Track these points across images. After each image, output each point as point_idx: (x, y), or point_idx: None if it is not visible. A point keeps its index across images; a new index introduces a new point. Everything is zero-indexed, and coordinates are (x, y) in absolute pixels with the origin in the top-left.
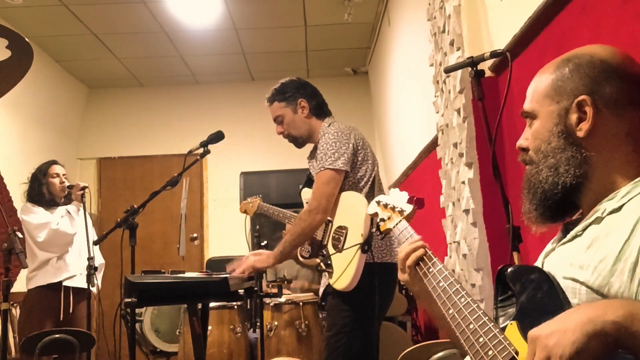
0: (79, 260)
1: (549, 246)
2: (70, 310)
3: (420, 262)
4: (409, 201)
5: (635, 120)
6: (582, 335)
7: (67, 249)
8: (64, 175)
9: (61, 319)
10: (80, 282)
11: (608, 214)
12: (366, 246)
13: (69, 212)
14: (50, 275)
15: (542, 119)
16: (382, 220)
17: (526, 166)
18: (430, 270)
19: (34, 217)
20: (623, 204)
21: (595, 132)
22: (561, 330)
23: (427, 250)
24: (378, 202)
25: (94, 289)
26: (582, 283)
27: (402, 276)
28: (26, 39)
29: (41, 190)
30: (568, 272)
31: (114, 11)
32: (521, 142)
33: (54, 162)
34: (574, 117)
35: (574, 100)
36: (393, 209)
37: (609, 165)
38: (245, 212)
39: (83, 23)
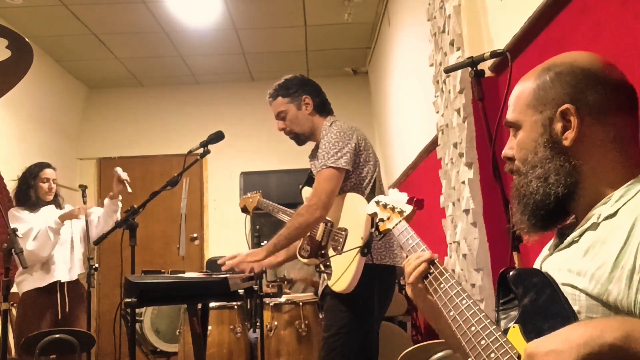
0: (73, 254)
1: (545, 251)
2: (67, 307)
3: (428, 275)
4: (409, 202)
5: (619, 125)
6: (577, 359)
7: (52, 254)
8: (54, 180)
9: (59, 317)
10: (73, 274)
11: (604, 220)
12: (366, 249)
13: (50, 227)
14: (40, 279)
15: (526, 129)
16: (381, 220)
17: (513, 176)
18: (434, 274)
19: (18, 227)
20: (618, 209)
21: (581, 140)
22: (558, 351)
23: (435, 261)
24: (377, 202)
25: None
26: (581, 290)
27: (408, 289)
28: (26, 39)
29: (28, 193)
30: (566, 279)
31: (114, 11)
32: (507, 151)
33: (47, 166)
34: (558, 126)
35: (558, 110)
36: (392, 209)
37: (597, 172)
38: (244, 207)
39: (83, 23)
